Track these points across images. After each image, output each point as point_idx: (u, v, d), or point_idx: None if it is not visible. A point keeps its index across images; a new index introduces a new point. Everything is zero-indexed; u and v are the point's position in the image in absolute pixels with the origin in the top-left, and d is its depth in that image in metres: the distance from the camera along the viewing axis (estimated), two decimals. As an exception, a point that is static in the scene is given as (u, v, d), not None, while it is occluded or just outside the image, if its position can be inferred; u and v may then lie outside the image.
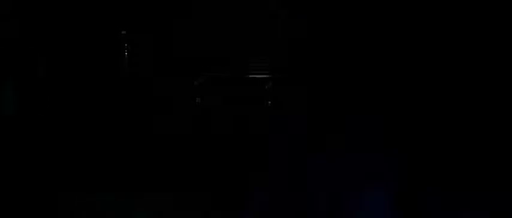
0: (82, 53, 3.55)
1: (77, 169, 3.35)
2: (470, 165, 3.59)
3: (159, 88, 3.63)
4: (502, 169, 3.56)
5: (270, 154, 3.55)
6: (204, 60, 3.69)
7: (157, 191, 3.55)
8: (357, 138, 3.58)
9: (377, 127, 3.64)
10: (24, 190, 3.20)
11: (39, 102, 3.44)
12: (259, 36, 3.80)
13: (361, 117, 3.61)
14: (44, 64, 3.31)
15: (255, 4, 3.85)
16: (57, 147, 3.46)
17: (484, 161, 3.60)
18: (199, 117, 3.79)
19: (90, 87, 3.59)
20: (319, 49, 3.78)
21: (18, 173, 3.31)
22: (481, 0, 3.66)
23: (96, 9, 3.51)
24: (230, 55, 3.75)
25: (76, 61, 3.53)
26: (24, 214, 2.98)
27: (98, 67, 3.64)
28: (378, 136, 3.60)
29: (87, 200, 3.08)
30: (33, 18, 3.41)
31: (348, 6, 3.78)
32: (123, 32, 3.52)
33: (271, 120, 3.60)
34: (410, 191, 3.43)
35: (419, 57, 3.73)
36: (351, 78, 3.75)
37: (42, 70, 3.32)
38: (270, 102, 3.55)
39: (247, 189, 3.42)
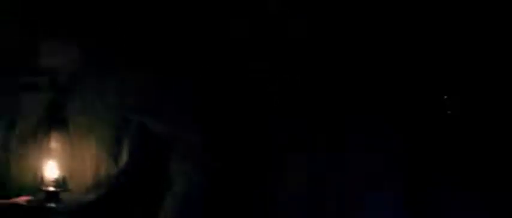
0: None
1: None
2: (474, 165, 3.60)
3: None
4: (506, 169, 3.57)
5: (272, 154, 3.55)
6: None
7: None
8: (360, 138, 3.58)
9: (380, 127, 3.64)
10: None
11: None
12: (259, 37, 3.80)
13: (364, 116, 3.61)
14: None
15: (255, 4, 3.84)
16: None
17: (488, 160, 3.61)
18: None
19: None
20: (319, 49, 3.78)
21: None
22: (481, 0, 3.67)
23: None
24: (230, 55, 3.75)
25: None
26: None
27: None
28: (382, 136, 3.60)
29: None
30: None
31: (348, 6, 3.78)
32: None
33: (273, 121, 3.59)
34: (415, 191, 3.43)
35: (421, 57, 3.74)
36: (352, 78, 3.75)
37: None
38: (275, 103, 3.54)
39: (251, 190, 3.42)
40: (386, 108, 3.70)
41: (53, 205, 3.09)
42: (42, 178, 3.14)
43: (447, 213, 3.62)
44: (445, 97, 3.71)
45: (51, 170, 3.15)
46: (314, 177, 3.59)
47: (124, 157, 3.33)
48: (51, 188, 3.13)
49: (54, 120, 3.37)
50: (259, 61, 3.73)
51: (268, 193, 3.44)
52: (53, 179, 3.14)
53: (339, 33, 3.81)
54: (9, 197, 3.19)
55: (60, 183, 3.15)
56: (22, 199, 3.14)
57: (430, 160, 3.67)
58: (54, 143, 3.32)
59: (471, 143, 3.65)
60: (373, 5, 3.79)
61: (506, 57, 3.67)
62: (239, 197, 3.44)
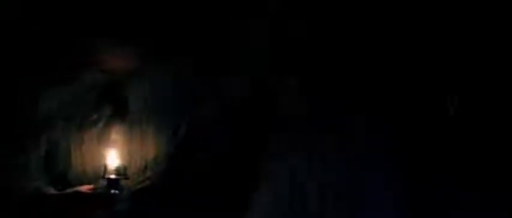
0: None
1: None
2: (474, 165, 3.59)
3: None
4: (506, 169, 3.56)
5: (271, 155, 3.55)
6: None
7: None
8: (360, 138, 3.57)
9: (380, 127, 3.64)
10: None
11: None
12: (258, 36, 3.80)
13: (363, 116, 3.61)
14: None
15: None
16: None
17: (488, 160, 3.60)
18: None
19: None
20: (319, 49, 3.78)
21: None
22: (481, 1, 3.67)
23: None
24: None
25: None
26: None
27: None
28: (382, 136, 3.59)
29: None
30: None
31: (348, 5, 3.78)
32: None
33: (272, 121, 3.59)
34: (415, 191, 3.43)
35: (421, 57, 3.74)
36: (352, 78, 3.75)
37: None
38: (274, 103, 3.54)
39: (251, 191, 3.42)
40: (386, 108, 3.70)
41: (116, 191, 3.28)
42: (105, 167, 3.32)
43: (447, 213, 3.62)
44: (448, 97, 3.70)
45: (112, 159, 3.33)
46: (313, 177, 3.59)
47: (180, 136, 3.53)
48: (113, 176, 3.30)
49: (114, 113, 3.53)
50: (258, 61, 3.72)
51: (266, 193, 3.45)
52: (114, 168, 3.31)
53: (339, 33, 3.82)
54: (71, 187, 3.37)
55: (121, 171, 3.31)
56: (85, 188, 3.32)
57: (430, 160, 3.66)
58: (115, 135, 3.48)
59: (471, 143, 3.65)
60: (373, 5, 3.79)
61: (506, 57, 3.67)
62: (236, 198, 3.46)
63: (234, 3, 3.79)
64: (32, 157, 3.46)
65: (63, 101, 3.50)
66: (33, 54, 3.53)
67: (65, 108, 3.49)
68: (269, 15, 3.82)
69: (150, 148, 3.51)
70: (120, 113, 3.53)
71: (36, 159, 3.47)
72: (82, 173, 3.48)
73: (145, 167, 3.49)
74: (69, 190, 3.35)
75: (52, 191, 3.37)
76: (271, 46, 3.74)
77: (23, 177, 3.41)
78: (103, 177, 3.31)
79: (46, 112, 3.48)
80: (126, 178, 3.35)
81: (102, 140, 3.47)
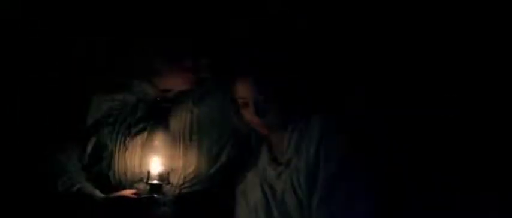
0: None
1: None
2: (475, 166, 3.56)
3: None
4: (504, 169, 3.53)
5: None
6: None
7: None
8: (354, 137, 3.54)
9: (378, 128, 3.61)
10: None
11: None
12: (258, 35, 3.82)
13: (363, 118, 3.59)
14: None
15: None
16: None
17: (489, 162, 3.56)
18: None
19: None
20: (319, 49, 3.79)
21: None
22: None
23: None
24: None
25: None
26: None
27: None
28: (379, 136, 3.56)
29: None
30: None
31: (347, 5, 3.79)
32: None
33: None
34: (391, 199, 3.40)
35: (420, 56, 3.73)
36: (351, 78, 3.76)
37: None
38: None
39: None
40: (385, 109, 3.69)
41: (159, 196, 3.37)
42: (148, 172, 3.39)
43: (447, 214, 3.59)
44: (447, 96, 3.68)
45: (155, 165, 3.40)
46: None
47: (223, 158, 3.59)
48: (155, 182, 3.37)
49: (159, 123, 3.59)
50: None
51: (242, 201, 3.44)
52: (157, 174, 3.39)
53: (339, 33, 3.82)
54: (113, 191, 3.45)
55: (164, 177, 3.39)
56: (128, 192, 3.39)
57: (429, 162, 3.64)
58: (158, 142, 3.53)
59: (471, 144, 3.62)
60: (372, 5, 3.80)
61: (507, 57, 3.64)
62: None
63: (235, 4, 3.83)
64: (77, 158, 3.57)
65: (113, 107, 3.59)
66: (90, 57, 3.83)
67: (114, 114, 3.57)
68: (269, 15, 3.85)
69: (191, 163, 3.54)
70: (165, 125, 3.57)
71: (81, 161, 3.57)
72: (123, 178, 3.52)
73: (184, 179, 3.52)
74: (113, 194, 3.42)
75: (97, 193, 3.45)
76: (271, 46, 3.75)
77: (68, 178, 3.51)
78: (146, 182, 3.37)
79: (95, 116, 3.60)
80: (169, 184, 3.42)
81: (146, 147, 3.52)
